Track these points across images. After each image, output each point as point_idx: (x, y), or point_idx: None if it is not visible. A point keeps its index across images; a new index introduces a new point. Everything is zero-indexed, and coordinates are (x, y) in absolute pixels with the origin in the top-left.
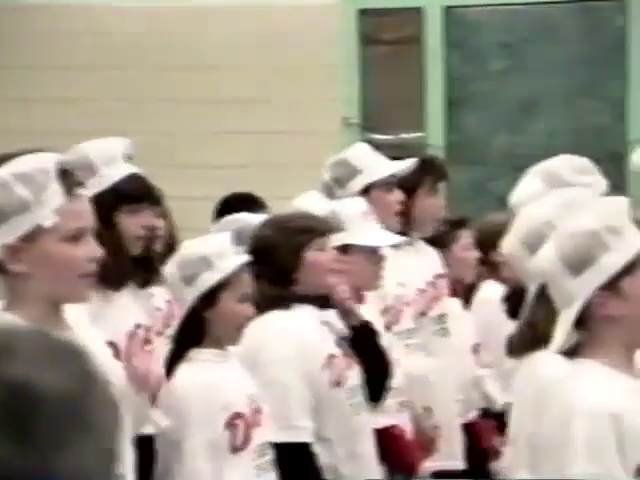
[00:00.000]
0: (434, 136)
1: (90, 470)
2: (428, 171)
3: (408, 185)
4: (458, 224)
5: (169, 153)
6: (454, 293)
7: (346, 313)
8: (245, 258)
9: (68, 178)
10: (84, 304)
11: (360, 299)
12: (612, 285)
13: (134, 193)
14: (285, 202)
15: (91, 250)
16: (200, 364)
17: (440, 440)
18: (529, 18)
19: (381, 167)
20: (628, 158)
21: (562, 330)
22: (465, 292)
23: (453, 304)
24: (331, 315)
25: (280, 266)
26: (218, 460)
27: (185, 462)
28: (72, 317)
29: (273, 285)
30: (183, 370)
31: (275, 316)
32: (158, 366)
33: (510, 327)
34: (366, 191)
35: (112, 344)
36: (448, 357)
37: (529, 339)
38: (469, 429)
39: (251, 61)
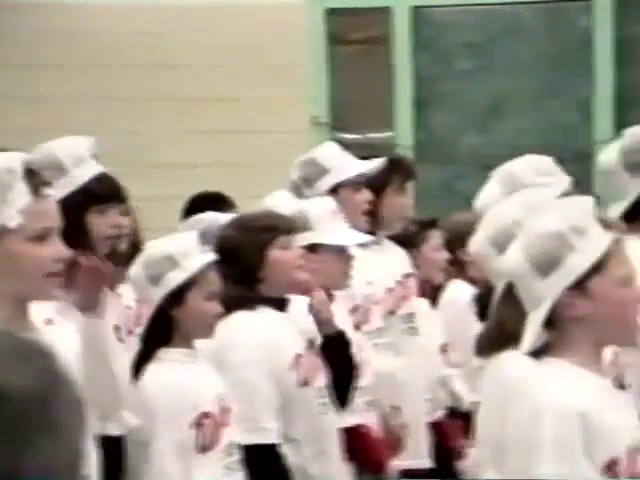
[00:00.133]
0: (402, 135)
1: (56, 469)
2: (396, 170)
3: (376, 184)
4: (428, 225)
5: (137, 152)
6: (422, 293)
7: (321, 322)
8: (211, 257)
9: (34, 178)
10: (52, 304)
11: (329, 298)
12: (579, 285)
13: (104, 193)
14: (254, 201)
15: (57, 250)
16: (168, 364)
17: (407, 439)
18: (496, 18)
19: (349, 167)
20: (595, 158)
21: (532, 331)
22: (432, 292)
23: (421, 304)
24: (299, 315)
25: (245, 265)
26: (186, 460)
27: (153, 463)
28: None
29: (239, 285)
30: (151, 370)
31: (241, 316)
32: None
33: (477, 326)
34: (334, 190)
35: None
36: (416, 356)
37: (497, 338)
38: (436, 428)
39: (219, 60)
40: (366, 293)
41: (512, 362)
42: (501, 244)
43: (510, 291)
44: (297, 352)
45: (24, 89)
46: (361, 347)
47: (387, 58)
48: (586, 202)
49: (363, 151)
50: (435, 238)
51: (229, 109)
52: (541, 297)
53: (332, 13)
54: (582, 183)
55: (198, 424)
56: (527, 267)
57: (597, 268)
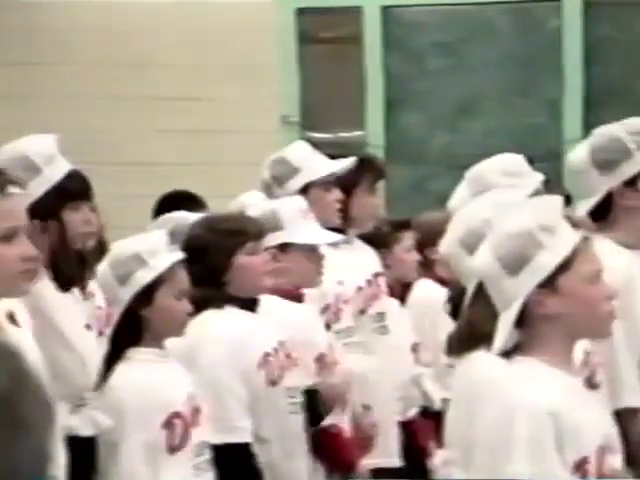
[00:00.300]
0: (373, 135)
1: (23, 469)
2: (366, 170)
3: (346, 184)
4: (401, 225)
5: (105, 150)
6: (391, 294)
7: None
8: (179, 255)
9: (0, 177)
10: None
11: (300, 297)
12: (549, 283)
13: (77, 190)
14: (224, 200)
15: (25, 249)
16: (138, 364)
17: (377, 438)
18: (467, 18)
19: (320, 166)
20: (564, 157)
21: (503, 331)
22: (402, 291)
23: (392, 303)
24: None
25: (210, 267)
26: (155, 460)
27: (121, 463)
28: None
29: (203, 286)
30: (120, 370)
31: (209, 316)
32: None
33: (445, 325)
34: (305, 190)
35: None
36: (387, 355)
37: (467, 338)
38: (408, 427)
39: (189, 59)
40: (337, 292)
41: (482, 362)
42: (471, 244)
43: (481, 291)
44: (265, 351)
45: None
46: (332, 346)
47: (358, 57)
48: (555, 201)
49: (334, 150)
50: (407, 239)
51: (199, 108)
52: (511, 296)
53: (302, 12)
54: (552, 183)
55: (168, 424)
56: (497, 266)
57: (565, 266)
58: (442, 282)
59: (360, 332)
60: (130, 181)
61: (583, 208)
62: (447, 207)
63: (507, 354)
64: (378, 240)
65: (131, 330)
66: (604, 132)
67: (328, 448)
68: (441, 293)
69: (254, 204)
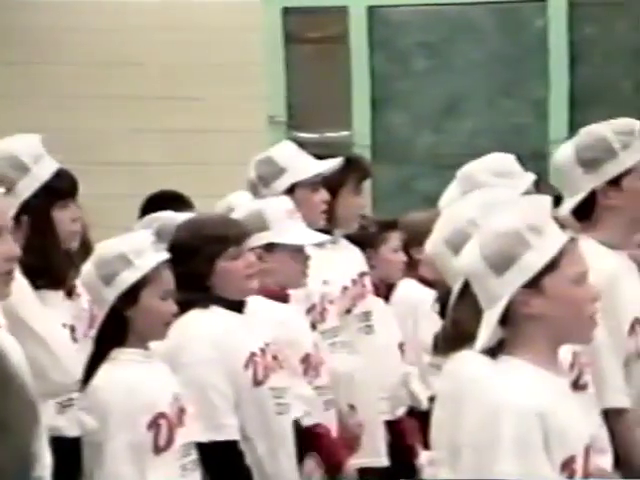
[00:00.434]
0: (360, 135)
1: (7, 470)
2: (352, 170)
3: (332, 184)
4: (388, 226)
5: (90, 150)
6: (377, 294)
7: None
8: (165, 255)
9: None
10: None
11: (285, 298)
12: (535, 283)
13: (66, 188)
14: (211, 200)
15: (8, 249)
16: (123, 364)
17: (363, 437)
18: (452, 19)
19: (306, 167)
20: (550, 157)
21: (487, 329)
22: (387, 291)
23: (377, 302)
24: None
25: (195, 272)
26: (141, 461)
27: (107, 464)
28: None
29: (189, 289)
30: (105, 370)
31: (195, 315)
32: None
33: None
34: (291, 190)
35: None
36: (373, 355)
37: (453, 338)
38: (395, 426)
39: (176, 58)
40: (322, 292)
41: (468, 361)
42: (457, 244)
43: (466, 290)
44: (252, 351)
45: None
46: (318, 346)
47: (344, 57)
48: (543, 201)
49: (320, 150)
50: (394, 240)
51: (186, 108)
52: (496, 295)
53: (289, 12)
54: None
55: (153, 424)
56: (483, 265)
57: (552, 266)
58: (425, 282)
59: (345, 332)
60: (116, 181)
61: (567, 206)
62: (434, 207)
63: (493, 354)
64: (365, 240)
65: (116, 330)
66: (590, 131)
67: (315, 447)
68: (424, 293)
69: (241, 204)
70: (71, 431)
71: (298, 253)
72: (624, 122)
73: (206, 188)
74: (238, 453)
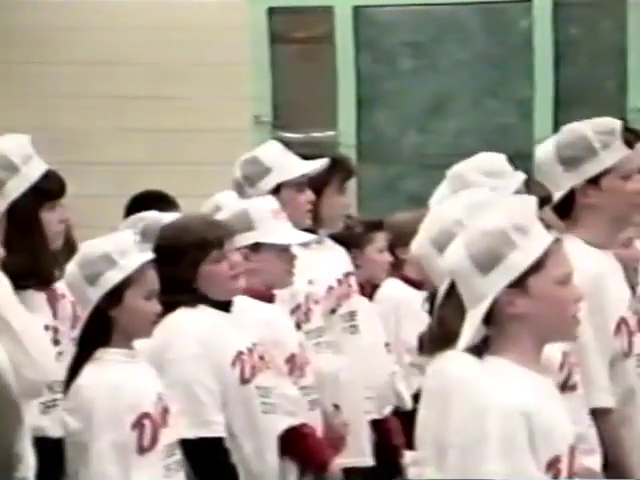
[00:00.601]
0: (345, 135)
1: None
2: (337, 170)
3: (316, 184)
4: (374, 226)
5: (75, 149)
6: (363, 294)
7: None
8: (149, 255)
9: None
10: None
11: (271, 298)
12: (520, 283)
13: (55, 189)
14: (196, 200)
15: None
16: (107, 364)
17: (349, 437)
18: (438, 18)
19: (292, 167)
20: (534, 157)
21: (470, 328)
22: (372, 291)
23: (362, 302)
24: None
25: (179, 277)
26: (125, 461)
27: (91, 464)
28: None
29: (174, 292)
30: (89, 371)
31: (182, 314)
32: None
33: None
34: (277, 190)
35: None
36: (358, 355)
37: (438, 337)
38: (381, 426)
39: (160, 58)
40: (307, 292)
41: (454, 361)
42: (443, 244)
43: (452, 290)
44: (239, 349)
45: None
46: (303, 346)
47: (329, 57)
48: (529, 201)
49: (306, 150)
50: (380, 240)
51: (171, 108)
52: (481, 294)
53: (274, 12)
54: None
55: (137, 424)
56: (468, 264)
57: (537, 267)
58: (409, 282)
59: (330, 332)
60: (101, 181)
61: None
62: (419, 207)
63: (479, 353)
64: (350, 240)
65: (100, 330)
66: (571, 129)
67: (301, 447)
68: (407, 292)
69: (227, 204)
70: (55, 431)
71: (284, 253)
72: (605, 121)
73: (191, 188)
74: (224, 450)
